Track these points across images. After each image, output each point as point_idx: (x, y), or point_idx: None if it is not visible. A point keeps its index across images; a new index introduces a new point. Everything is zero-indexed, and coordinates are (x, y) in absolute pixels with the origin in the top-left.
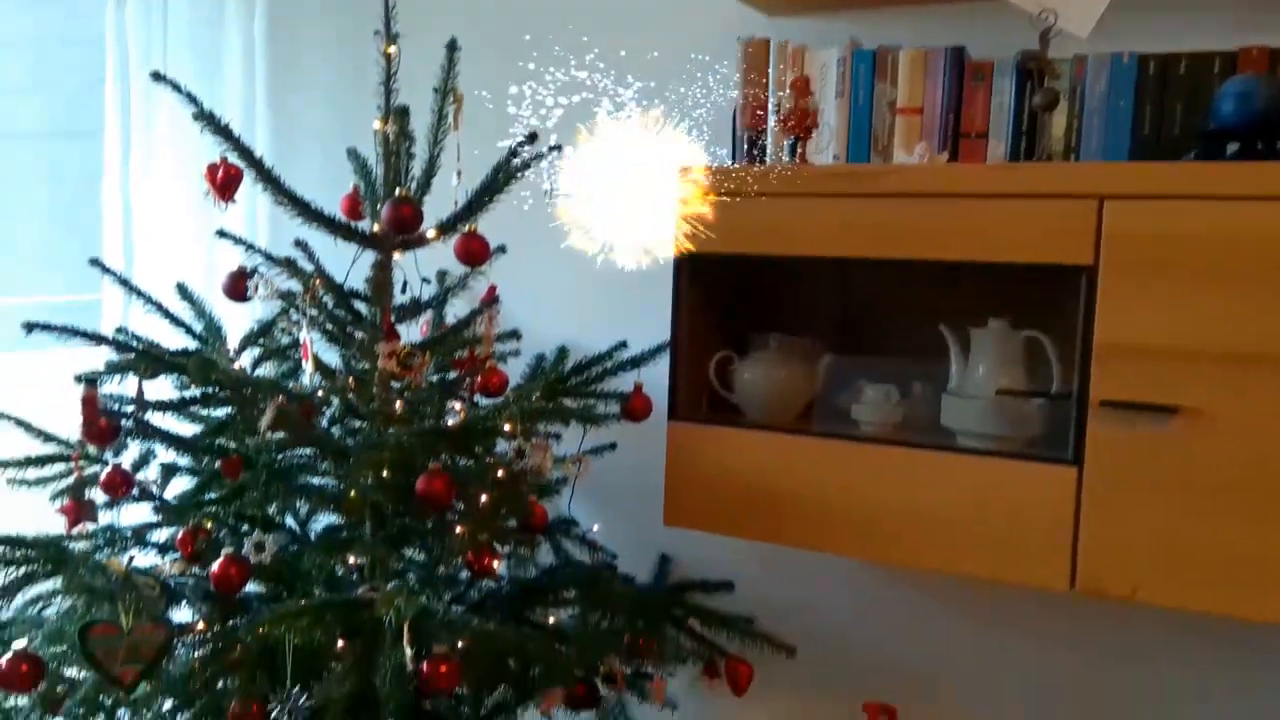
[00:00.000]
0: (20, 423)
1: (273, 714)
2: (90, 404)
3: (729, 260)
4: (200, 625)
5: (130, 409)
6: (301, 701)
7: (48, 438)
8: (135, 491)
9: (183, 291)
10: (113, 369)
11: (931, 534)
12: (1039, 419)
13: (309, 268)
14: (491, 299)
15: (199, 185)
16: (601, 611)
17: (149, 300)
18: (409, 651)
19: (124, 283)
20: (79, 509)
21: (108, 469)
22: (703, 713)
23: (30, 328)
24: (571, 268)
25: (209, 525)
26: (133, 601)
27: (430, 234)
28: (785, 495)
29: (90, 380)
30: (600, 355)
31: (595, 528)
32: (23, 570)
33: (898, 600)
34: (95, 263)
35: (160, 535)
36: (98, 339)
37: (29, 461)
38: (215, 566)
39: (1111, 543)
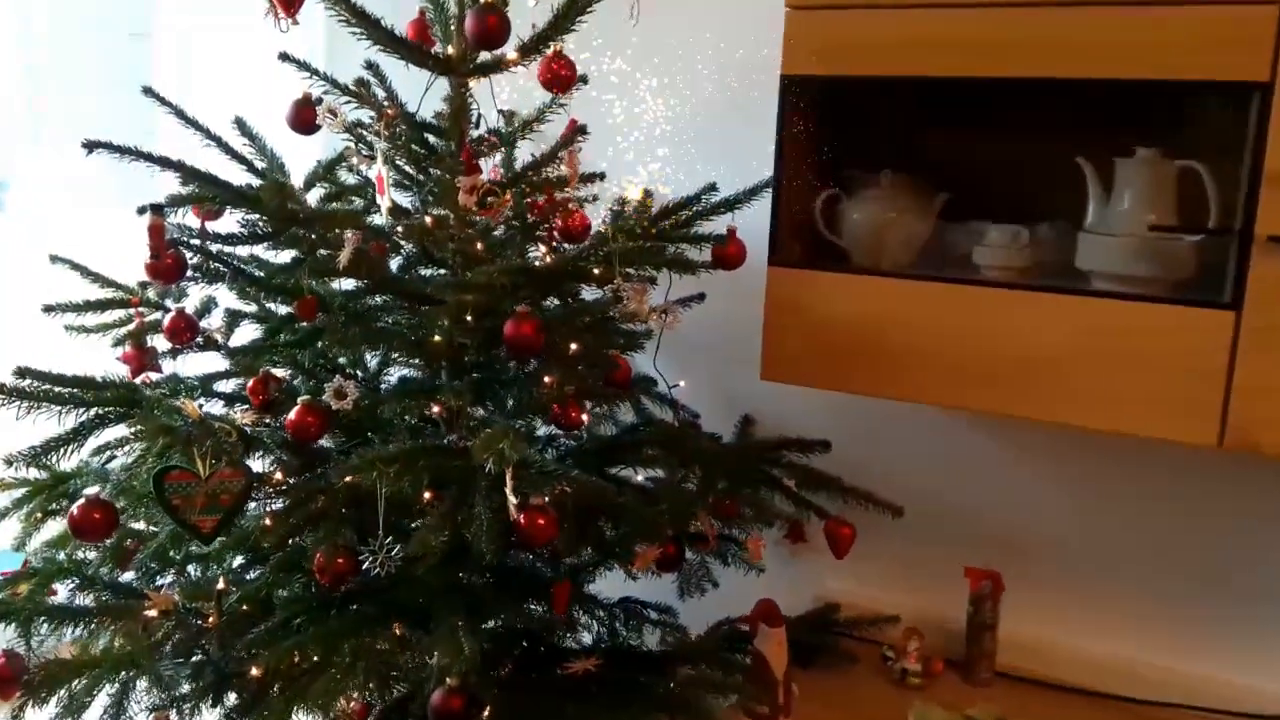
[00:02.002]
0: (77, 267)
1: (362, 565)
2: (157, 233)
3: (838, 85)
4: (278, 475)
5: (196, 243)
6: (394, 552)
7: (106, 283)
8: (199, 339)
9: (241, 126)
10: (176, 202)
11: (1062, 385)
12: (1191, 258)
13: (380, 94)
14: (574, 132)
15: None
16: (688, 470)
17: (207, 134)
18: (513, 500)
19: (180, 114)
20: (141, 356)
21: (171, 314)
22: (787, 576)
23: (90, 146)
24: (653, 104)
25: (281, 373)
26: (210, 446)
27: (511, 55)
28: (897, 346)
29: (157, 208)
30: (689, 198)
31: (681, 384)
32: (93, 413)
33: (1004, 462)
34: (149, 91)
35: (228, 386)
36: (161, 161)
37: (88, 306)
38: (291, 415)
39: (1272, 394)
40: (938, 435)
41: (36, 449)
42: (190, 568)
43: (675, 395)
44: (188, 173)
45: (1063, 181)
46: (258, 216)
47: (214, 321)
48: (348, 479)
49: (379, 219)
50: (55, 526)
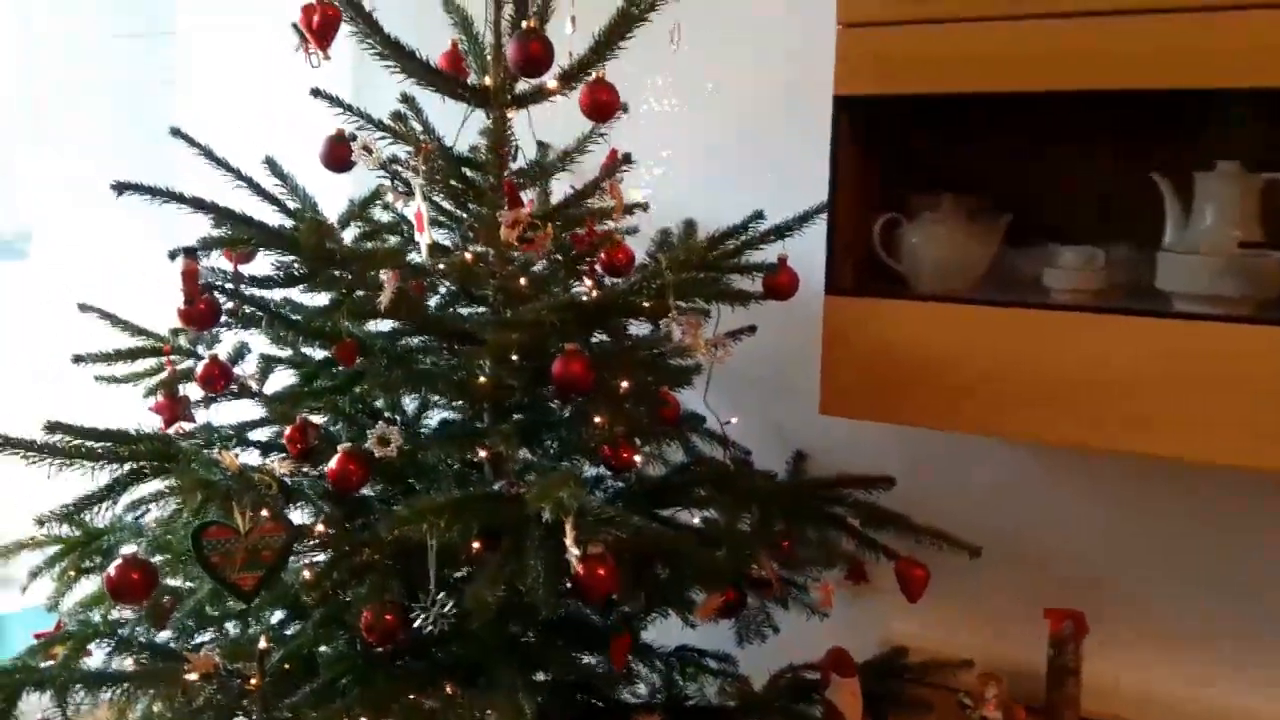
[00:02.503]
0: (106, 315)
1: (412, 622)
2: (190, 278)
3: (894, 104)
4: (320, 527)
5: (230, 288)
6: (447, 608)
7: (136, 330)
8: (233, 387)
9: (272, 166)
10: (209, 245)
11: (1144, 414)
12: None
13: (416, 128)
14: (618, 162)
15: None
16: (743, 510)
17: (237, 175)
18: (575, 552)
19: (209, 154)
20: (174, 406)
21: (204, 361)
22: (849, 619)
23: (120, 189)
24: (694, 128)
25: (318, 419)
26: (250, 499)
27: (550, 84)
28: (965, 376)
29: (190, 252)
30: (738, 225)
31: (733, 420)
32: (127, 468)
33: (1080, 495)
34: (177, 133)
35: (263, 434)
36: (193, 203)
37: (118, 355)
38: (332, 463)
39: None
40: (1006, 468)
41: (69, 507)
42: (229, 624)
43: (726, 432)
44: (220, 214)
45: (1135, 200)
46: (292, 258)
47: (248, 368)
48: (388, 529)
49: (417, 257)
50: (89, 585)
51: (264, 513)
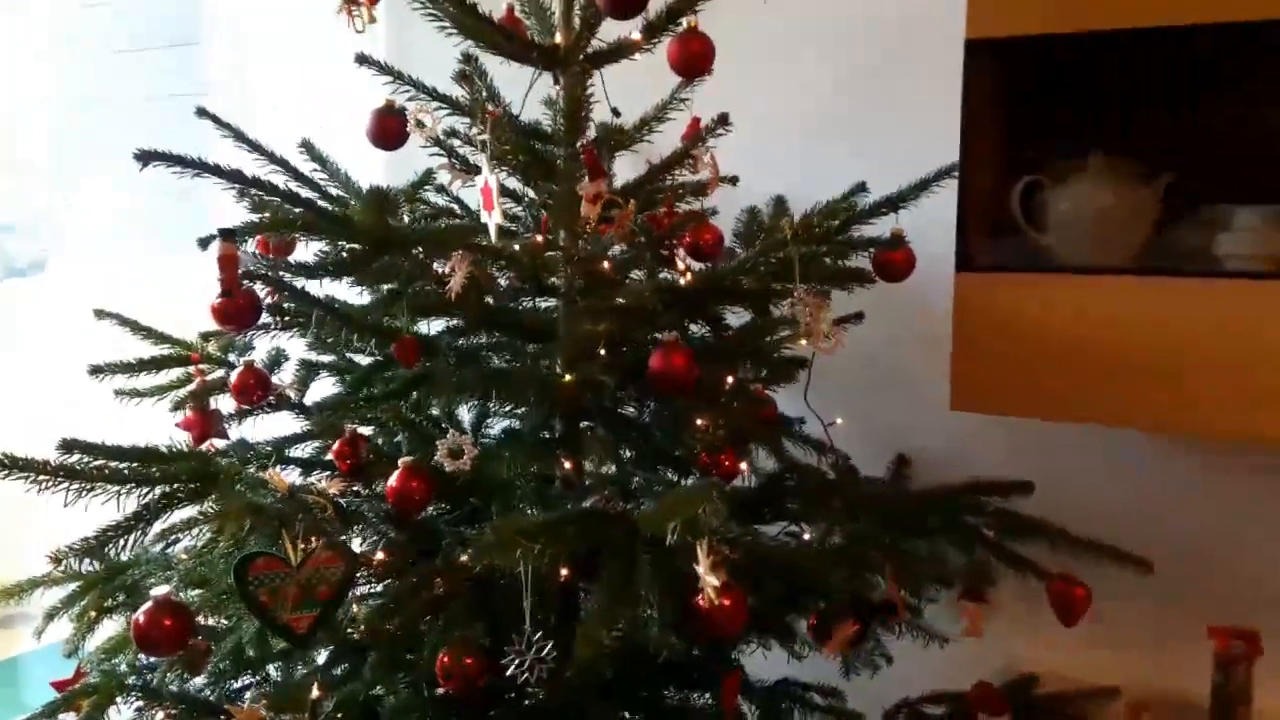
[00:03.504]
0: (127, 321)
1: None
2: (229, 264)
3: (1033, 47)
4: (379, 555)
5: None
6: (545, 651)
7: (160, 338)
8: (271, 397)
9: (309, 149)
10: (250, 230)
11: None
12: None
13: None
14: (702, 130)
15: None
16: (856, 522)
17: (271, 158)
18: (713, 581)
19: (239, 135)
20: (204, 420)
21: (239, 370)
22: (968, 645)
23: (145, 158)
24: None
25: (367, 431)
26: (304, 526)
27: (635, 35)
28: (1128, 362)
29: (228, 234)
30: (838, 200)
31: (838, 420)
32: (159, 491)
33: (1252, 495)
34: (203, 113)
35: (305, 450)
36: (230, 176)
37: (141, 365)
38: (392, 480)
39: None
40: (1154, 468)
41: (90, 541)
42: (271, 668)
43: (828, 435)
44: (262, 190)
45: None
46: (342, 244)
47: (285, 377)
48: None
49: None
50: (112, 626)
51: (318, 541)
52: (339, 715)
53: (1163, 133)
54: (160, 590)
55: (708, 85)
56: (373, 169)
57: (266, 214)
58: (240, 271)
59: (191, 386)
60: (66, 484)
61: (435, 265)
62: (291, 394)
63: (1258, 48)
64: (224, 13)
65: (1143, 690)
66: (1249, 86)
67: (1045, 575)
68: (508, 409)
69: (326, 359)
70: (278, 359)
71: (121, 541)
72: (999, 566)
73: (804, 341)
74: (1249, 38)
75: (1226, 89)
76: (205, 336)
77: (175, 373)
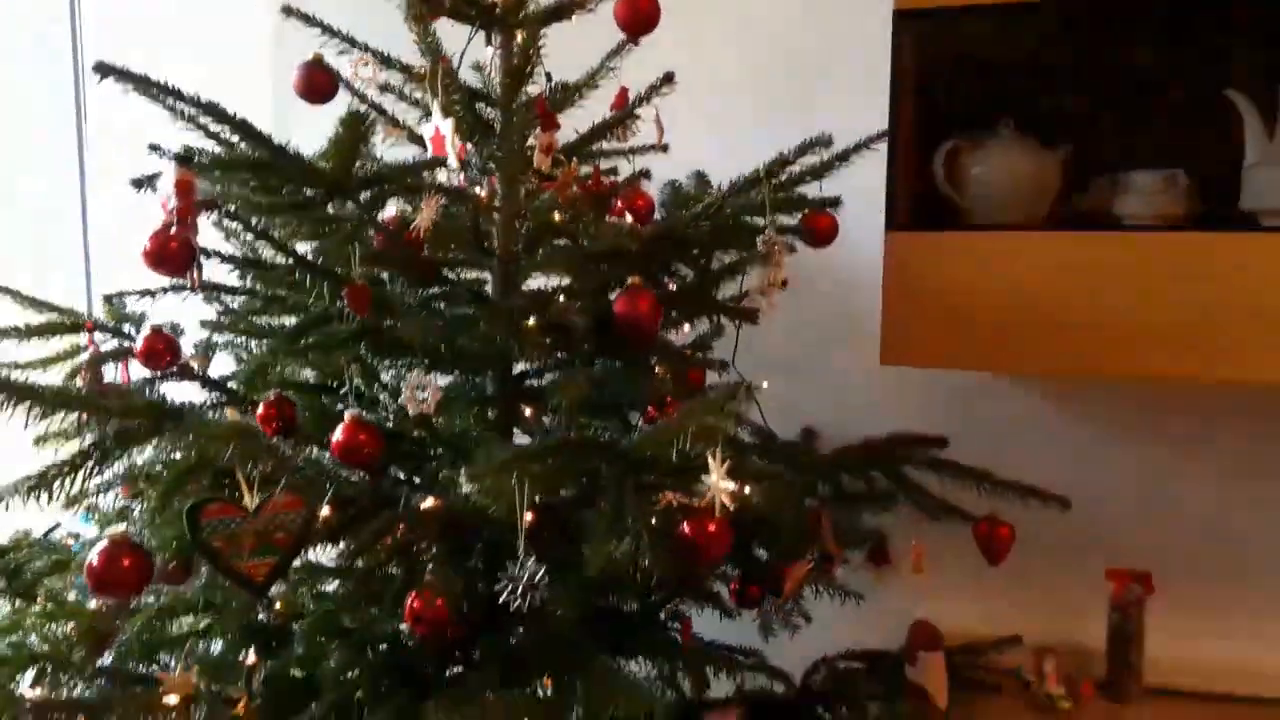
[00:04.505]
0: (9, 291)
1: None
2: (186, 191)
3: (952, 17)
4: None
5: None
6: (539, 577)
7: (48, 307)
8: (175, 366)
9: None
10: (205, 164)
11: (1240, 337)
12: None
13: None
14: (626, 103)
15: None
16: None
17: (196, 104)
18: (728, 486)
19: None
20: (101, 391)
21: (145, 334)
22: (873, 605)
23: (103, 71)
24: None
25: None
26: (259, 465)
27: None
28: (1042, 312)
29: (184, 159)
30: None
31: (764, 384)
32: (116, 427)
33: (1143, 447)
34: (102, 67)
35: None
36: (179, 95)
37: (30, 332)
38: (339, 434)
39: None
40: (1052, 420)
41: (37, 479)
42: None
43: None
44: (218, 118)
45: (1200, 121)
46: (290, 186)
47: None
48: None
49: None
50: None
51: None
52: (279, 684)
53: (1066, 103)
54: (115, 529)
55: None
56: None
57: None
58: (196, 200)
59: (85, 356)
60: (29, 405)
61: (379, 215)
62: (195, 365)
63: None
64: None
65: (1042, 637)
66: (1143, 59)
67: (971, 519)
68: (462, 367)
69: (223, 338)
70: (175, 330)
71: (68, 480)
72: (896, 529)
73: (759, 287)
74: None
75: (1123, 62)
76: (108, 299)
77: (66, 342)
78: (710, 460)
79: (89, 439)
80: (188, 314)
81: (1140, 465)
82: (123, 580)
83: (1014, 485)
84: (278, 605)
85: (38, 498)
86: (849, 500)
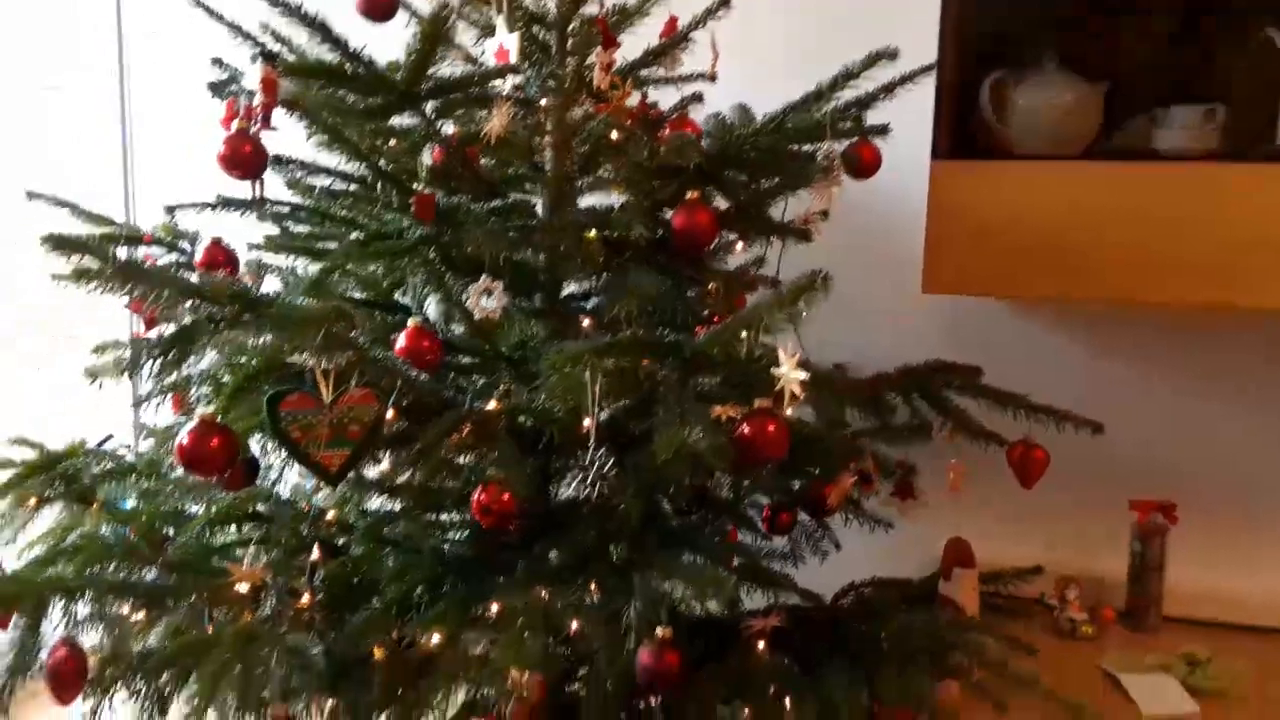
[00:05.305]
0: (63, 203)
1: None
2: (270, 89)
3: None
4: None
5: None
6: (607, 467)
7: (102, 220)
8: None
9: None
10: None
11: (1271, 269)
12: None
13: None
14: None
15: None
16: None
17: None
18: (799, 376)
19: None
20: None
21: (205, 246)
22: (900, 538)
23: None
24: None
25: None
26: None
27: None
28: (1083, 242)
29: (269, 56)
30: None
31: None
32: (206, 310)
33: (1171, 379)
34: None
35: None
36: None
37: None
38: (402, 340)
39: None
40: (1060, 353)
41: (129, 358)
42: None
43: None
44: (303, 21)
45: (1239, 58)
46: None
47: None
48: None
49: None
50: (50, 517)
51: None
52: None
53: (1108, 39)
54: (205, 409)
55: None
56: None
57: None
58: (278, 94)
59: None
60: (121, 284)
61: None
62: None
63: None
64: None
65: (1065, 568)
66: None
67: (1005, 443)
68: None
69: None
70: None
71: (156, 362)
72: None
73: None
74: None
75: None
76: (169, 209)
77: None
78: (780, 353)
79: (181, 322)
80: (236, 239)
81: (1168, 397)
82: (211, 458)
83: (1048, 409)
84: (329, 515)
85: (130, 375)
86: (880, 432)
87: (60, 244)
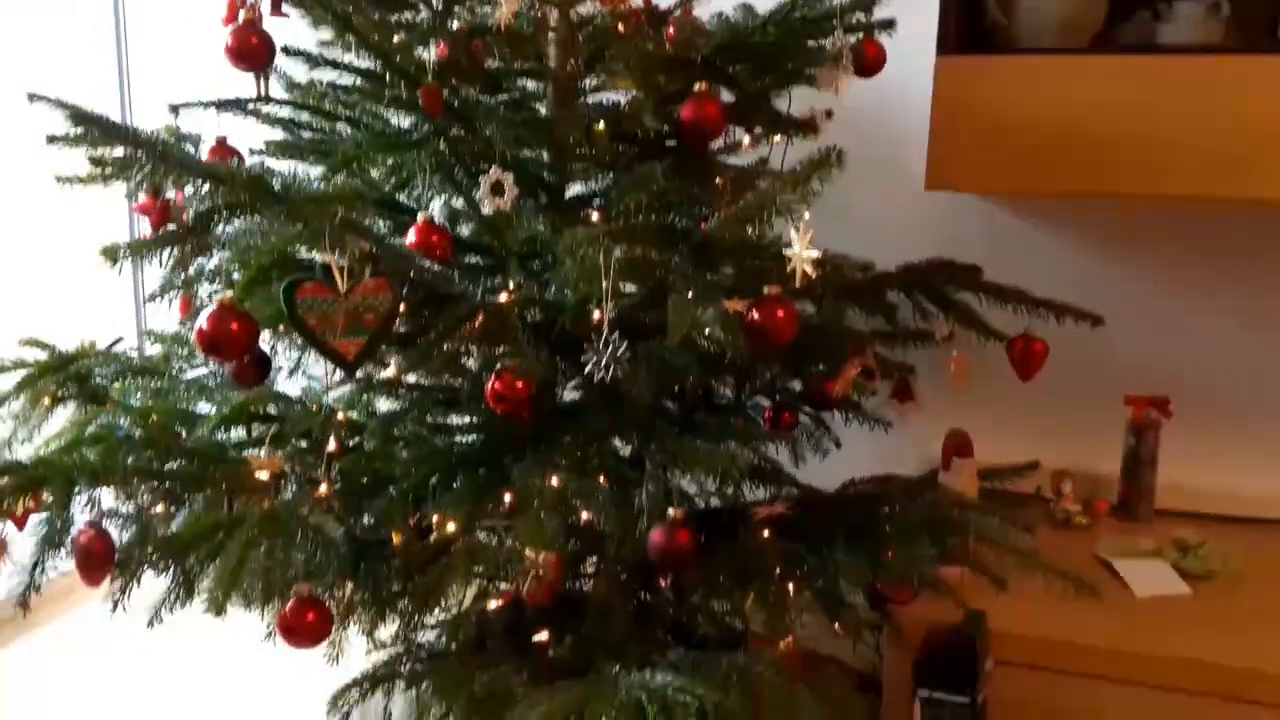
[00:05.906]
0: (63, 105)
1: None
2: None
3: None
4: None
5: None
6: (621, 351)
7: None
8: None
9: None
10: None
11: (1274, 161)
12: None
13: None
14: None
15: None
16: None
17: None
18: (811, 254)
19: None
20: (164, 205)
21: (210, 145)
22: (897, 440)
23: None
24: None
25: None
26: (352, 251)
27: None
28: (1087, 136)
29: None
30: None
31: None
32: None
33: (1168, 277)
34: None
35: None
36: None
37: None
38: (411, 235)
39: None
40: (1057, 251)
41: (151, 241)
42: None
43: None
44: None
45: None
46: None
47: None
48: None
49: None
50: (64, 417)
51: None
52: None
53: None
54: (225, 295)
55: None
56: None
57: None
58: None
59: (146, 169)
60: (148, 162)
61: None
62: None
63: None
64: None
65: (1060, 463)
66: None
67: (1006, 337)
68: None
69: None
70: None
71: (176, 248)
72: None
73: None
74: None
75: None
76: (174, 109)
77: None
78: (792, 232)
79: (199, 208)
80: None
81: (1164, 294)
82: (232, 341)
83: (1048, 303)
84: (339, 415)
85: (153, 260)
86: (881, 337)
87: (80, 119)
